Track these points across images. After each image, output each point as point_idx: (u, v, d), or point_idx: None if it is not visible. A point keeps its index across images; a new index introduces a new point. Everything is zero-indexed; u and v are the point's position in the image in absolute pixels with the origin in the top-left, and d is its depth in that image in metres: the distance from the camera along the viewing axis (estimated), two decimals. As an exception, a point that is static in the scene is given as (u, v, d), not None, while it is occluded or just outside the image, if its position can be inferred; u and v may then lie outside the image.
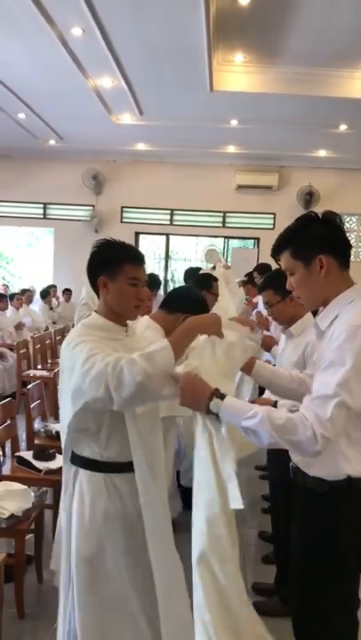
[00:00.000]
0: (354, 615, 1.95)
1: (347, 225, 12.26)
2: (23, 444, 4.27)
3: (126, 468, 1.96)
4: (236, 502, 1.73)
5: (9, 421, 3.75)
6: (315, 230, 1.85)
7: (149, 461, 1.94)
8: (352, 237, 12.29)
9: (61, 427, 2.06)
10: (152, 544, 1.94)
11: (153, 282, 5.34)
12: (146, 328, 2.67)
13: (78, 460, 2.04)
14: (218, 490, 1.76)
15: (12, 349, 7.48)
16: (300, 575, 1.97)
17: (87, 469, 2.02)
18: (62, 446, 2.09)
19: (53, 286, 11.30)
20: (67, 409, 1.98)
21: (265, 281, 3.27)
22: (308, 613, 1.95)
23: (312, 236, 1.84)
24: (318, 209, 1.98)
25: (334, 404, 1.64)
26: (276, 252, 1.93)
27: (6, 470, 3.60)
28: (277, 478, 3.10)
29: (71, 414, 1.94)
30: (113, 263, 2.01)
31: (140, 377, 1.73)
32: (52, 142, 11.25)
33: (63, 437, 2.06)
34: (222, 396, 1.77)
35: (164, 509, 2.00)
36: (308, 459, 1.85)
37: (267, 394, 3.03)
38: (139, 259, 2.05)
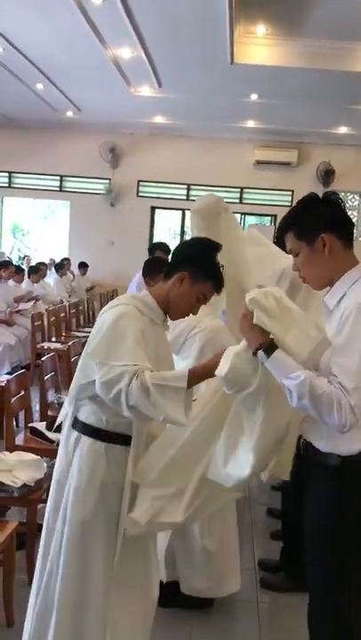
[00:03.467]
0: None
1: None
2: (36, 415, 4.33)
3: (130, 441, 1.99)
4: None
5: (23, 392, 3.79)
6: (315, 210, 1.91)
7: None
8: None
9: (73, 380, 2.08)
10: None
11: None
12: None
13: (81, 427, 2.04)
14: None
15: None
16: (312, 550, 2.00)
17: (90, 437, 2.02)
18: (67, 404, 2.10)
19: (67, 259, 11.31)
20: (79, 371, 2.02)
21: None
22: (317, 585, 1.98)
23: (313, 216, 1.90)
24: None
25: (358, 391, 1.69)
26: (280, 235, 1.98)
27: (19, 440, 3.64)
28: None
29: (78, 381, 2.01)
30: (205, 271, 2.03)
31: (138, 405, 1.80)
32: (69, 114, 11.15)
33: (71, 394, 2.07)
34: (271, 350, 1.77)
35: None
36: (322, 436, 1.88)
37: None
38: (221, 287, 2.09)
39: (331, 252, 1.87)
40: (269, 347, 1.77)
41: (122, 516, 1.98)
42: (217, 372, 1.84)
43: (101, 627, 1.98)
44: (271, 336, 1.79)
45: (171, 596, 2.75)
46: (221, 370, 1.83)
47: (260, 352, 1.78)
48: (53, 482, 2.11)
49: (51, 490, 2.12)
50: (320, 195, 1.98)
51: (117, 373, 1.81)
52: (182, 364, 2.72)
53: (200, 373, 1.91)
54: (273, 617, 2.96)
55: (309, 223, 1.89)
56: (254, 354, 1.80)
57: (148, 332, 1.97)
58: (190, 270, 2.02)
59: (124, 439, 1.99)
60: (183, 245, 2.12)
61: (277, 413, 1.84)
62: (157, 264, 3.64)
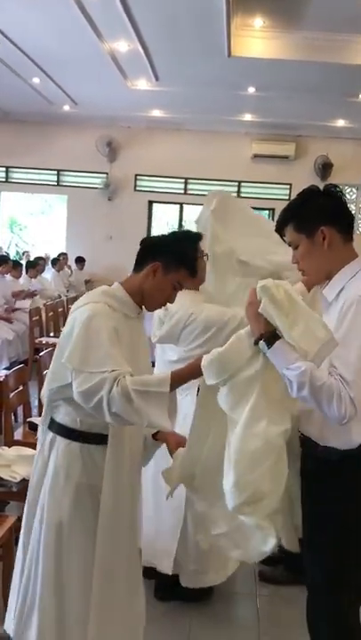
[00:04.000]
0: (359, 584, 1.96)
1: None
2: (35, 410, 4.33)
3: (106, 440, 1.93)
4: None
5: (21, 387, 3.79)
6: (315, 203, 1.91)
7: (128, 437, 1.97)
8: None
9: (45, 382, 2.04)
10: (102, 523, 1.93)
11: None
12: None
13: (57, 428, 2.00)
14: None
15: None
16: (312, 548, 1.99)
17: (65, 438, 1.98)
18: (44, 405, 2.06)
19: (64, 254, 11.29)
20: (50, 374, 1.99)
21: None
22: (317, 585, 1.98)
23: (313, 209, 1.89)
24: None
25: (357, 385, 1.69)
26: (280, 227, 1.97)
27: (18, 435, 3.65)
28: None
29: (50, 384, 1.97)
30: (177, 259, 2.00)
31: (121, 412, 1.76)
32: (66, 108, 11.11)
33: (45, 393, 2.02)
34: (273, 340, 1.74)
35: (132, 487, 2.03)
36: (321, 431, 1.88)
37: None
38: (195, 273, 2.07)
39: (330, 245, 1.87)
40: (271, 337, 1.75)
41: (100, 519, 1.93)
42: (213, 351, 1.81)
43: (83, 634, 1.94)
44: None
45: (170, 588, 2.77)
46: (216, 350, 1.81)
47: (262, 342, 1.76)
48: (30, 482, 2.07)
49: (28, 490, 2.08)
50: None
51: (97, 381, 1.76)
52: (179, 351, 2.72)
53: (185, 375, 1.88)
54: (272, 609, 2.97)
55: (309, 216, 1.88)
56: (256, 343, 1.78)
57: (122, 329, 1.91)
58: (162, 260, 1.98)
59: (100, 439, 1.94)
60: (154, 237, 2.09)
61: (264, 411, 1.79)
62: None
